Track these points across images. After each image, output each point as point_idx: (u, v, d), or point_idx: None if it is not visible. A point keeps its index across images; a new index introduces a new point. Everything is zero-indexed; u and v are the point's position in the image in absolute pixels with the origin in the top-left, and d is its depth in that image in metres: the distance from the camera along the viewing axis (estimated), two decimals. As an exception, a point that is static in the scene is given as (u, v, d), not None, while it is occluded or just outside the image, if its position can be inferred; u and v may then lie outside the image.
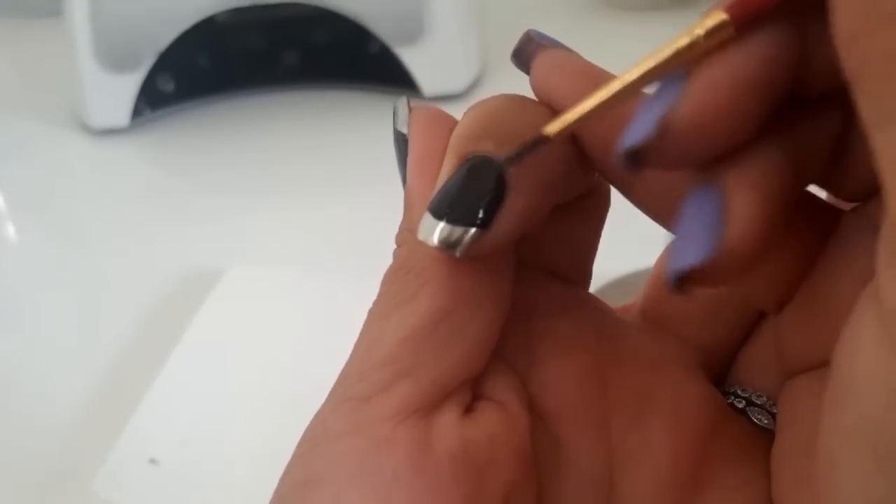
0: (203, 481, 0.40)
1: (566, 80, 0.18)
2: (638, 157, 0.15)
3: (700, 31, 0.15)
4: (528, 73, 0.19)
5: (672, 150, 0.15)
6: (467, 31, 0.69)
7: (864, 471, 0.13)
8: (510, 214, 0.17)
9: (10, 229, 0.61)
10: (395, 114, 0.19)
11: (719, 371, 0.21)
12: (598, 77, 0.18)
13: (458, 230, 0.16)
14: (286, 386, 0.44)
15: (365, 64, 0.70)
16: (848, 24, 0.13)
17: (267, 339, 0.47)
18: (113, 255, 0.56)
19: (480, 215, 0.16)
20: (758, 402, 0.20)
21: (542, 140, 0.16)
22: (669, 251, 0.15)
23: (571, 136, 0.18)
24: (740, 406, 0.20)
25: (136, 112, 0.67)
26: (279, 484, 0.17)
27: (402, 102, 0.19)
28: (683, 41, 0.15)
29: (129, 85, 0.65)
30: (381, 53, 0.67)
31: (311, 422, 0.17)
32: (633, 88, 0.15)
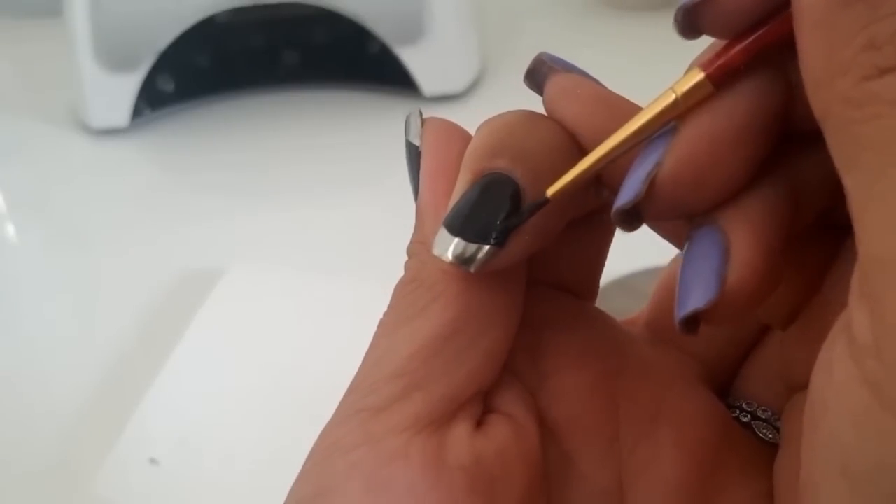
0: (203, 481, 0.40)
1: (577, 106, 0.18)
2: (631, 215, 0.16)
3: (679, 91, 0.16)
4: (540, 94, 0.19)
5: (662, 206, 0.16)
6: (467, 32, 0.69)
7: (838, 494, 0.14)
8: (525, 232, 0.17)
9: (10, 229, 0.61)
10: (407, 125, 0.19)
11: (723, 384, 0.21)
12: (608, 101, 0.18)
13: (473, 247, 0.16)
14: (286, 386, 0.44)
15: (365, 64, 0.70)
16: (812, 71, 0.14)
17: (267, 339, 0.47)
18: (113, 255, 0.56)
19: (495, 233, 0.16)
20: (763, 416, 0.20)
21: (544, 202, 0.17)
22: (676, 294, 0.16)
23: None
24: (745, 420, 0.20)
25: (136, 112, 0.67)
26: (288, 498, 0.17)
27: (414, 114, 0.20)
28: (666, 101, 0.16)
29: (129, 85, 0.65)
30: (381, 53, 0.67)
31: (321, 435, 0.17)
32: (622, 146, 0.16)
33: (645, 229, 0.18)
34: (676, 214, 0.16)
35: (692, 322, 0.16)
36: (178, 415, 0.43)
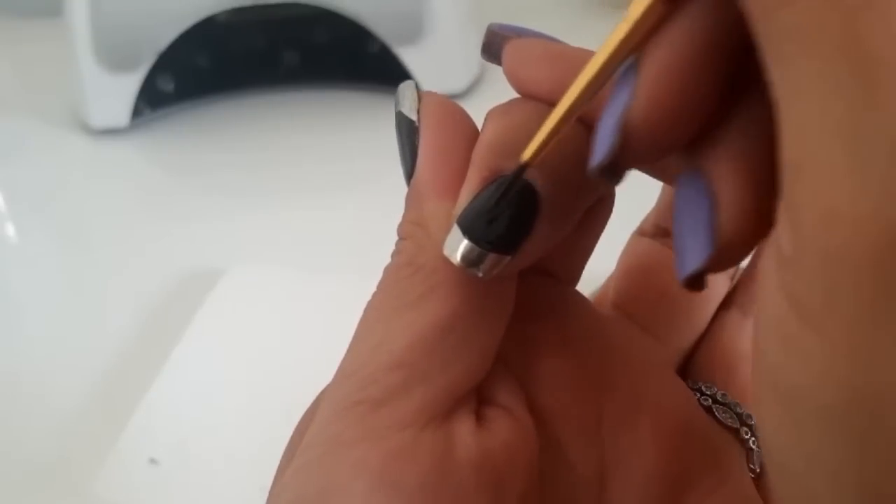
0: (203, 481, 0.40)
1: (535, 69, 0.17)
2: (610, 170, 0.15)
3: (631, 19, 0.14)
4: (500, 65, 0.18)
5: (640, 153, 0.14)
6: (467, 31, 0.69)
7: (774, 414, 0.13)
8: (537, 241, 0.16)
9: (10, 229, 0.61)
10: (399, 97, 0.19)
11: (682, 367, 0.21)
12: (564, 56, 0.17)
13: (484, 253, 0.16)
14: (286, 386, 0.43)
15: (365, 64, 0.70)
16: None
17: (267, 340, 0.47)
18: (113, 255, 0.56)
19: (508, 240, 0.16)
20: (722, 400, 0.20)
21: (524, 167, 0.16)
22: (674, 251, 0.15)
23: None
24: (707, 404, 0.20)
25: (136, 112, 0.67)
26: (282, 493, 0.16)
27: (409, 86, 0.19)
28: (621, 33, 0.14)
29: (129, 85, 0.65)
30: (381, 53, 0.66)
31: (313, 426, 0.17)
32: (586, 93, 0.15)
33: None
34: (657, 157, 0.15)
35: (696, 281, 0.15)
36: (178, 415, 0.43)
